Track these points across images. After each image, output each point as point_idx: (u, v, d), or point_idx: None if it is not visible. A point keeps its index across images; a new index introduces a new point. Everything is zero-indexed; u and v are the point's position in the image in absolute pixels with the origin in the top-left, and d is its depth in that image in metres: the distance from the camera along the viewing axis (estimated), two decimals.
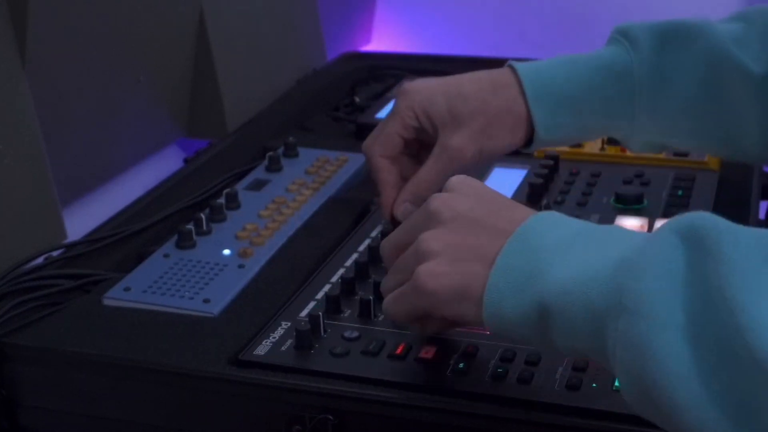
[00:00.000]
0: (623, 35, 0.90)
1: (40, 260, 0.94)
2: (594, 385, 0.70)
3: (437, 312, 0.67)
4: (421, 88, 0.89)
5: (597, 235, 0.63)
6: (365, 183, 1.10)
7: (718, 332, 0.52)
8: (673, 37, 0.89)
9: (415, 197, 0.88)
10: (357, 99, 1.36)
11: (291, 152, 1.14)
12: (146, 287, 0.86)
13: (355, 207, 1.02)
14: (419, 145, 0.92)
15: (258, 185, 1.06)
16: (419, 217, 0.69)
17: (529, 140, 0.90)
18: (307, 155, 1.14)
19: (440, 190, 0.71)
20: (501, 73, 0.90)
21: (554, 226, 0.64)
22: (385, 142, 0.90)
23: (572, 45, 1.78)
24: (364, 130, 1.23)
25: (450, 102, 0.88)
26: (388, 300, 0.70)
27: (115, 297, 0.86)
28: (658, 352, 0.54)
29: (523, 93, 0.88)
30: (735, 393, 0.52)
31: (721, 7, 1.70)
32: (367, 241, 0.93)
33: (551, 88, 0.88)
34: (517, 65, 0.90)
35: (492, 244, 0.64)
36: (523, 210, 0.67)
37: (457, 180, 0.71)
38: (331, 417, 0.71)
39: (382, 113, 1.26)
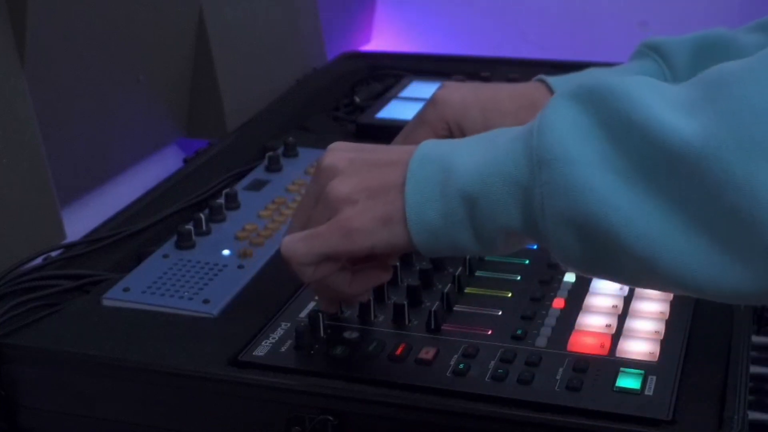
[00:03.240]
0: (654, 50, 0.90)
1: (39, 261, 0.94)
2: (594, 386, 0.70)
3: (363, 248, 0.67)
4: (454, 99, 0.89)
5: (491, 133, 0.67)
6: None
7: (633, 147, 0.57)
8: (705, 52, 0.89)
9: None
10: (357, 99, 1.36)
11: (291, 152, 1.13)
12: (145, 288, 0.86)
13: None
14: None
15: (258, 185, 1.06)
16: (315, 180, 0.71)
17: None
18: (307, 155, 1.13)
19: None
20: (537, 89, 0.90)
21: (445, 141, 0.68)
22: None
23: (572, 45, 1.79)
24: (364, 130, 1.23)
25: (485, 116, 0.88)
26: (293, 240, 0.70)
27: (114, 297, 0.85)
28: (587, 187, 0.58)
29: None
30: (664, 191, 0.57)
31: (722, 7, 1.70)
32: None
33: None
34: (552, 81, 0.89)
35: (395, 172, 0.67)
36: (408, 146, 0.70)
37: (335, 143, 0.73)
38: (330, 418, 0.71)
39: (382, 113, 1.26)
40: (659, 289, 0.67)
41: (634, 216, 0.57)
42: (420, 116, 0.89)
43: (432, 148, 0.67)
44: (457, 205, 0.64)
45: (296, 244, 0.69)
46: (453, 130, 0.88)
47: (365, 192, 0.67)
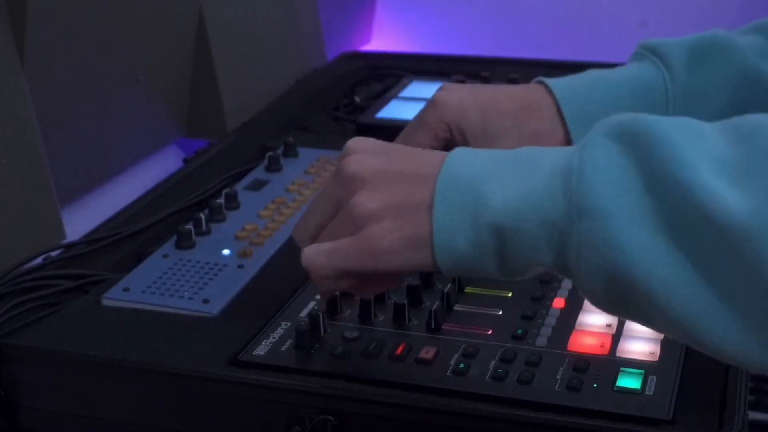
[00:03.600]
0: (652, 52, 0.90)
1: (39, 260, 0.94)
2: (595, 385, 0.70)
3: (386, 268, 0.66)
4: (454, 101, 0.88)
5: (521, 156, 0.65)
6: None
7: (676, 213, 0.56)
8: (703, 54, 0.88)
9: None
10: (357, 99, 1.36)
11: (291, 152, 1.13)
12: (145, 287, 0.86)
13: None
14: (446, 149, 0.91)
15: (258, 185, 1.06)
16: (336, 186, 0.69)
17: None
18: (307, 155, 1.13)
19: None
20: (536, 91, 0.89)
21: (473, 156, 0.66)
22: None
23: (572, 45, 1.79)
24: (364, 130, 1.23)
25: (485, 117, 0.87)
26: (316, 253, 0.68)
27: (114, 297, 0.85)
28: (626, 244, 0.57)
29: (560, 114, 0.87)
30: (701, 259, 0.55)
31: (722, 7, 1.70)
32: None
33: (588, 110, 0.87)
34: (551, 83, 0.88)
35: (423, 189, 0.65)
36: (433, 153, 0.68)
37: (356, 141, 0.71)
38: (331, 417, 0.71)
39: (382, 113, 1.26)
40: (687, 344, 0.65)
41: (670, 279, 0.56)
42: (419, 118, 0.89)
43: (461, 166, 0.65)
44: (487, 237, 0.62)
45: (318, 257, 0.68)
46: (453, 132, 0.87)
47: (392, 210, 0.65)
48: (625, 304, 0.59)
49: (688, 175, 0.55)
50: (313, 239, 0.70)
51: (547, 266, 0.62)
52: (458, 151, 0.67)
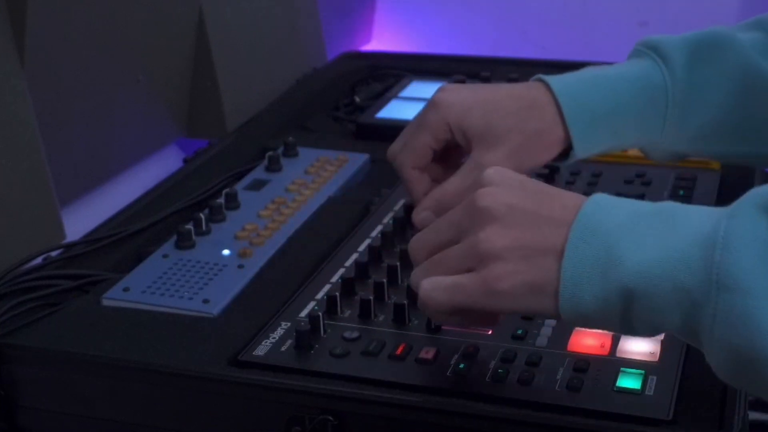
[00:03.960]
0: (653, 50, 0.89)
1: (38, 260, 0.94)
2: (595, 385, 0.70)
3: (504, 310, 0.66)
4: (455, 101, 0.87)
5: (660, 214, 0.63)
6: (365, 183, 1.10)
7: None
8: (703, 51, 0.88)
9: (439, 207, 0.86)
10: (357, 99, 1.36)
11: (291, 152, 1.13)
12: (145, 287, 0.86)
13: (355, 207, 1.02)
14: (446, 148, 0.90)
15: (257, 185, 1.06)
16: (464, 215, 0.67)
17: (563, 155, 0.89)
18: (307, 155, 1.13)
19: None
20: (536, 89, 0.88)
21: (612, 207, 0.64)
22: (417, 155, 0.89)
23: (572, 45, 1.79)
24: (364, 130, 1.23)
25: (486, 117, 0.86)
26: (434, 288, 0.66)
27: (114, 297, 0.85)
28: (764, 324, 0.56)
29: (560, 112, 0.87)
30: None
31: (722, 7, 1.70)
32: (367, 241, 0.92)
33: (588, 108, 0.87)
34: (551, 81, 0.87)
35: (555, 234, 0.64)
36: (571, 195, 0.67)
37: (495, 172, 0.69)
38: (330, 418, 0.71)
39: (382, 113, 1.26)
40: None
41: None
42: (420, 119, 0.88)
43: (597, 217, 0.63)
44: (615, 297, 0.61)
45: (436, 292, 0.66)
46: (455, 132, 0.87)
47: (520, 251, 0.64)
48: (749, 379, 0.58)
49: None
50: (426, 259, 0.69)
51: (673, 332, 0.61)
52: (596, 199, 0.65)
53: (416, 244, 0.71)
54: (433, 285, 0.67)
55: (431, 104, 0.88)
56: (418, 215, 0.88)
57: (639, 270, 0.60)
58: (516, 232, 0.65)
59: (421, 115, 0.89)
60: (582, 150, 0.88)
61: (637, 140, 0.91)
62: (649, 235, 0.61)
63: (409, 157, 0.89)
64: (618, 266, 0.61)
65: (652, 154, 0.93)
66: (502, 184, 0.68)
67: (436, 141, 0.88)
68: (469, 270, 0.66)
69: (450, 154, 0.90)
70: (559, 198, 0.67)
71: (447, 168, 0.90)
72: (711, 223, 0.60)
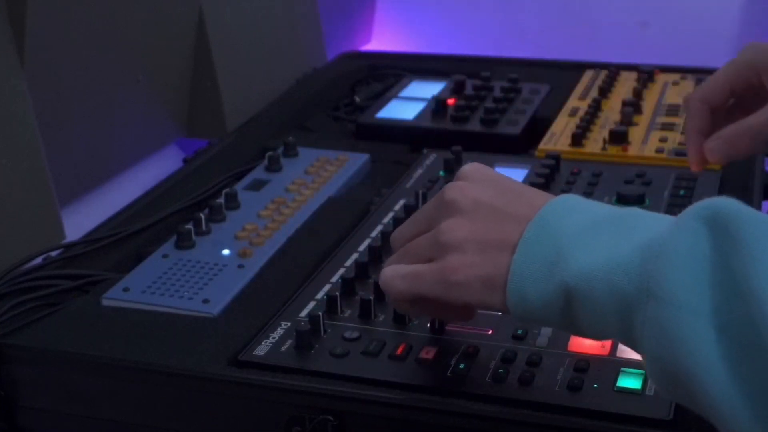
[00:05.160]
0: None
1: (38, 260, 0.94)
2: (595, 386, 0.70)
3: (458, 301, 0.66)
4: None
5: (619, 220, 0.63)
6: (365, 183, 1.10)
7: (742, 320, 0.53)
8: None
9: (734, 139, 0.81)
10: (357, 99, 1.36)
11: (291, 152, 1.13)
12: (145, 287, 0.86)
13: (355, 207, 1.02)
14: (742, 102, 0.85)
15: (257, 185, 1.06)
16: (434, 207, 0.69)
17: None
18: (307, 155, 1.13)
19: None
20: None
21: (573, 210, 0.64)
22: (711, 89, 0.84)
23: (572, 45, 1.79)
24: (364, 130, 1.23)
25: None
26: (393, 276, 0.68)
27: (114, 297, 0.85)
28: (686, 339, 0.55)
29: None
30: (757, 381, 0.53)
31: (722, 7, 1.70)
32: (367, 241, 0.92)
33: None
34: None
35: (515, 231, 0.64)
36: (542, 195, 0.67)
37: (470, 168, 0.70)
38: (330, 418, 0.71)
39: (382, 113, 1.26)
40: None
41: (727, 386, 0.54)
42: (736, 59, 0.83)
43: (555, 219, 0.64)
44: (558, 296, 0.62)
45: (396, 280, 0.68)
46: (763, 77, 0.81)
47: (477, 244, 0.65)
48: (679, 393, 0.58)
49: (760, 289, 0.52)
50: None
51: (614, 335, 0.61)
52: (559, 201, 0.65)
53: (397, 236, 0.73)
54: (393, 273, 0.68)
55: (748, 45, 0.83)
56: (710, 143, 0.82)
57: (582, 272, 0.60)
58: (476, 226, 0.66)
59: (735, 58, 0.84)
60: None
61: None
62: (602, 240, 0.61)
63: (702, 89, 0.84)
64: (562, 267, 0.61)
65: None
66: (474, 179, 0.69)
67: (737, 77, 0.82)
68: (430, 260, 0.67)
69: (741, 110, 0.84)
70: (528, 197, 0.67)
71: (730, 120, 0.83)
72: (659, 230, 0.59)
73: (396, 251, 0.72)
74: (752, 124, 0.80)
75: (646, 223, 0.61)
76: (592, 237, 0.62)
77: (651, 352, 0.57)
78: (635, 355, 0.73)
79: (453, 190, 0.68)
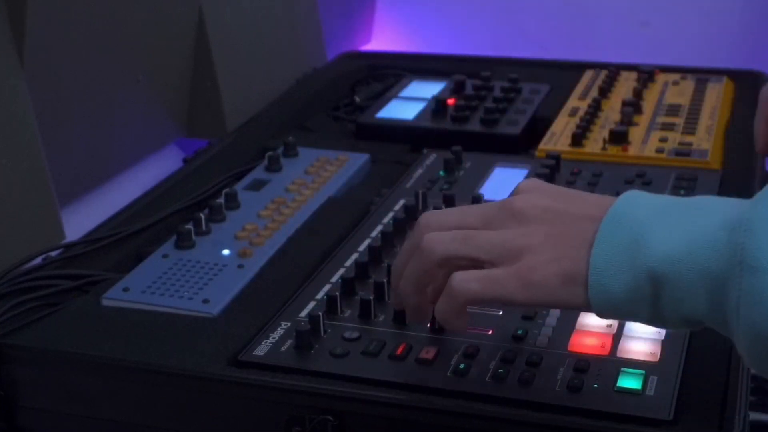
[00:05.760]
0: None
1: (38, 260, 0.93)
2: (595, 386, 0.70)
3: (537, 302, 0.65)
4: None
5: (689, 203, 0.63)
6: (365, 183, 1.10)
7: None
8: None
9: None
10: (357, 99, 1.36)
11: (291, 152, 1.13)
12: (145, 287, 0.86)
13: (355, 207, 1.02)
14: None
15: (257, 185, 1.06)
16: (499, 213, 0.68)
17: None
18: (307, 155, 1.13)
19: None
20: None
21: (643, 198, 0.65)
22: None
23: (572, 45, 1.79)
24: (364, 130, 1.23)
25: None
26: (466, 279, 0.66)
27: (113, 297, 0.85)
28: None
29: None
30: None
31: (722, 8, 1.70)
32: (367, 241, 0.92)
33: None
34: None
35: (588, 228, 0.64)
36: (605, 196, 0.68)
37: (527, 183, 0.70)
38: (330, 418, 0.71)
39: (382, 113, 1.26)
40: None
41: None
42: None
43: (628, 209, 0.64)
44: (644, 283, 0.62)
45: (471, 283, 0.66)
46: None
47: (552, 244, 0.65)
48: None
49: None
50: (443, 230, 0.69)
51: (703, 317, 0.61)
52: (628, 194, 0.66)
53: (433, 216, 0.71)
54: (467, 276, 0.67)
55: None
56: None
57: (666, 255, 0.61)
58: (550, 228, 0.66)
59: None
60: None
61: None
62: (680, 222, 0.62)
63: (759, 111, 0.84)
64: (645, 252, 0.61)
65: None
66: (536, 190, 0.69)
67: None
68: (493, 266, 0.66)
69: None
70: (593, 199, 0.68)
71: None
72: (737, 209, 0.60)
73: (431, 226, 0.69)
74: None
75: (718, 204, 0.62)
76: (667, 221, 0.62)
77: (750, 326, 0.58)
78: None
79: (517, 201, 0.68)
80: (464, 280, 0.67)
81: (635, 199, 0.65)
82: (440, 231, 0.69)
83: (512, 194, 0.70)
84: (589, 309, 0.64)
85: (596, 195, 0.69)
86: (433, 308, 0.71)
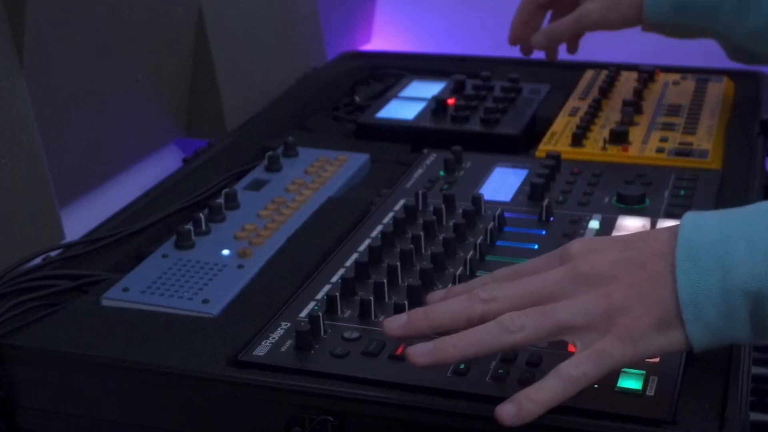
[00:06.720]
0: None
1: (38, 261, 0.93)
2: (596, 386, 0.70)
3: (643, 357, 0.65)
4: None
5: (751, 213, 0.63)
6: (365, 183, 1.10)
7: None
8: None
9: (548, 38, 1.23)
10: (357, 98, 1.35)
11: (290, 152, 1.13)
12: (145, 288, 0.86)
13: (355, 207, 1.01)
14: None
15: (257, 185, 1.06)
16: (566, 279, 0.67)
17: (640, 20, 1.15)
18: (307, 155, 1.13)
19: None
20: None
21: (706, 220, 0.64)
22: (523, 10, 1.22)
23: None
24: (364, 130, 1.23)
25: None
26: (574, 366, 0.65)
27: (113, 297, 0.85)
28: None
29: None
30: None
31: None
32: (367, 241, 0.92)
33: None
34: None
35: (663, 267, 0.64)
36: (660, 229, 0.67)
37: (578, 246, 0.68)
38: (330, 418, 0.71)
39: (382, 113, 1.26)
40: None
41: None
42: None
43: (697, 234, 0.64)
44: (740, 305, 0.61)
45: (584, 366, 0.65)
46: None
47: (635, 295, 0.64)
48: None
49: None
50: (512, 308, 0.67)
51: None
52: (689, 218, 0.65)
53: (497, 292, 0.68)
54: (577, 360, 0.65)
55: None
56: (537, 37, 1.28)
57: (756, 269, 0.60)
58: (626, 282, 0.65)
59: None
60: (652, 15, 1.13)
61: (702, 25, 1.11)
62: (755, 234, 0.61)
63: (517, 13, 1.22)
64: (735, 274, 0.61)
65: (725, 48, 1.14)
66: (592, 249, 0.68)
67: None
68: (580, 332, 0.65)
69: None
70: (651, 235, 0.67)
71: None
72: None
73: (518, 340, 0.67)
74: (557, 26, 1.21)
75: None
76: (744, 235, 0.62)
77: None
78: None
79: (585, 263, 0.66)
80: (577, 365, 0.65)
81: (699, 222, 0.64)
82: (509, 306, 0.67)
83: (564, 260, 0.68)
84: (690, 348, 0.64)
85: (650, 230, 0.69)
86: None
